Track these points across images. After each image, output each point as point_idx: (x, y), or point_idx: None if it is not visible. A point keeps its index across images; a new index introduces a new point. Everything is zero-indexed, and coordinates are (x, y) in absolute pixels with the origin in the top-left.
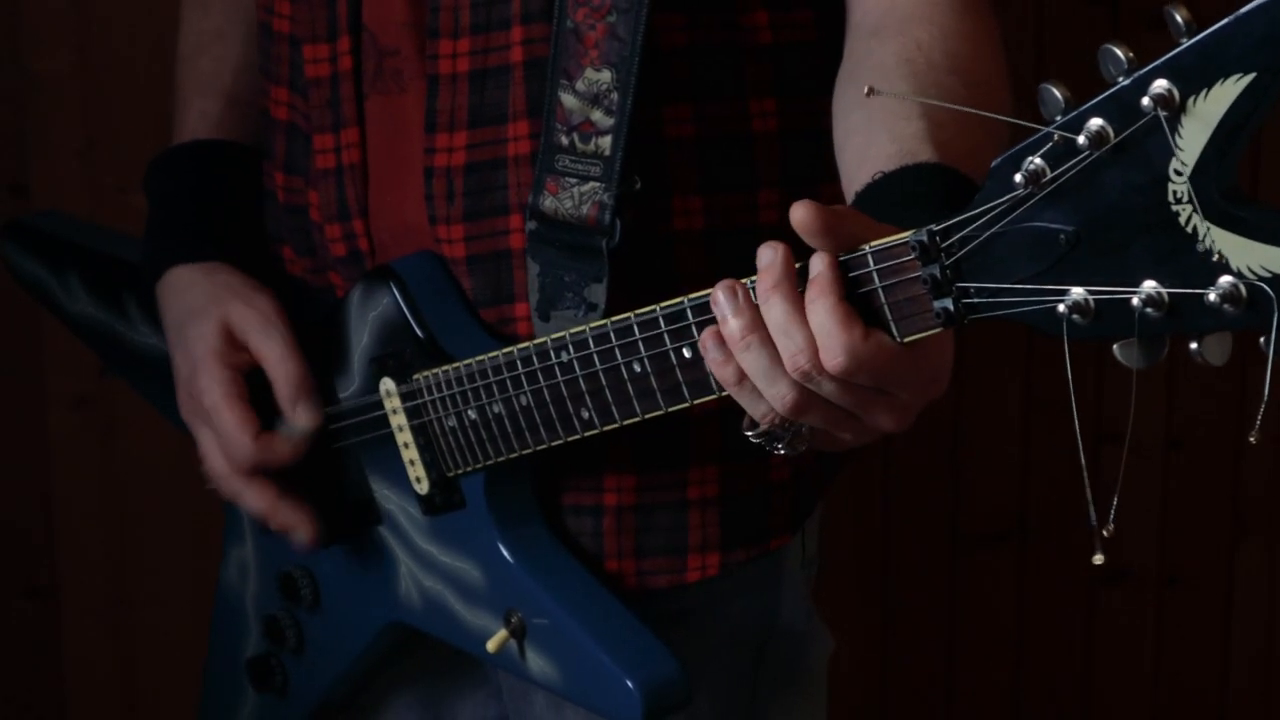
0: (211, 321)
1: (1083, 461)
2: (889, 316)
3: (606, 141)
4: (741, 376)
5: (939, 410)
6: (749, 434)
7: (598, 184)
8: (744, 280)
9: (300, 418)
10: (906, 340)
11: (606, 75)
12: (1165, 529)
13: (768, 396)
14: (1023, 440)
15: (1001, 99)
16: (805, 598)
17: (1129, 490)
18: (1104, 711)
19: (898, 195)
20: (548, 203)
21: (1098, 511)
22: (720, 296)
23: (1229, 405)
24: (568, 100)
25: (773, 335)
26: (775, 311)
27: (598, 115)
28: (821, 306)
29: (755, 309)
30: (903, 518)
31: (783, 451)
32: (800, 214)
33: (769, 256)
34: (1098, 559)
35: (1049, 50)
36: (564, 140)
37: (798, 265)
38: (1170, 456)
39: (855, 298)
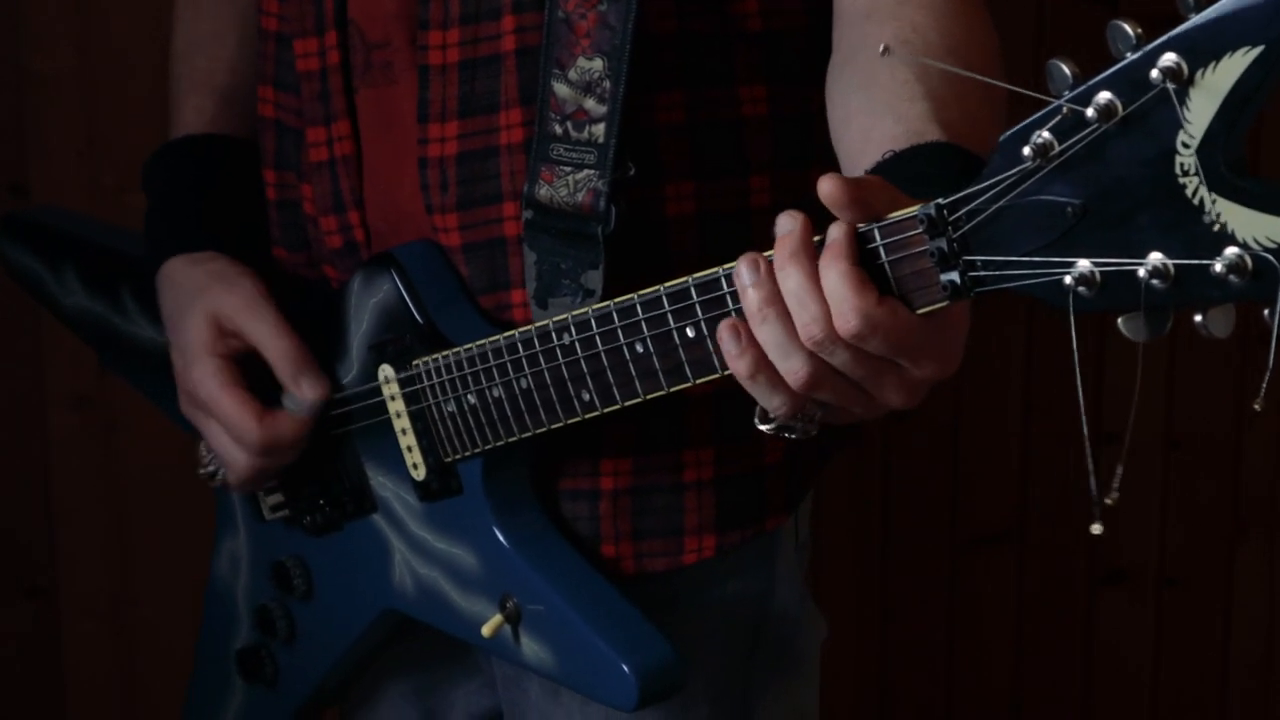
0: (198, 314)
1: (1085, 430)
2: (896, 290)
3: (600, 129)
4: (755, 369)
5: (939, 410)
6: (763, 427)
7: (592, 171)
8: (766, 254)
9: (305, 391)
10: (918, 313)
11: (599, 63)
12: (1165, 529)
13: (782, 371)
14: (1023, 440)
15: (997, 77)
16: (799, 581)
17: (1129, 490)
18: (1103, 711)
19: (909, 174)
20: (543, 191)
21: (1098, 486)
22: (743, 268)
23: (1229, 405)
24: (560, 89)
25: (788, 305)
26: (791, 280)
27: (590, 103)
28: (834, 272)
29: (775, 282)
30: (903, 518)
31: (795, 437)
32: (828, 187)
33: (787, 225)
34: (1096, 528)
35: (1049, 51)
36: (558, 129)
37: (818, 238)
38: (1170, 456)
39: (869, 269)
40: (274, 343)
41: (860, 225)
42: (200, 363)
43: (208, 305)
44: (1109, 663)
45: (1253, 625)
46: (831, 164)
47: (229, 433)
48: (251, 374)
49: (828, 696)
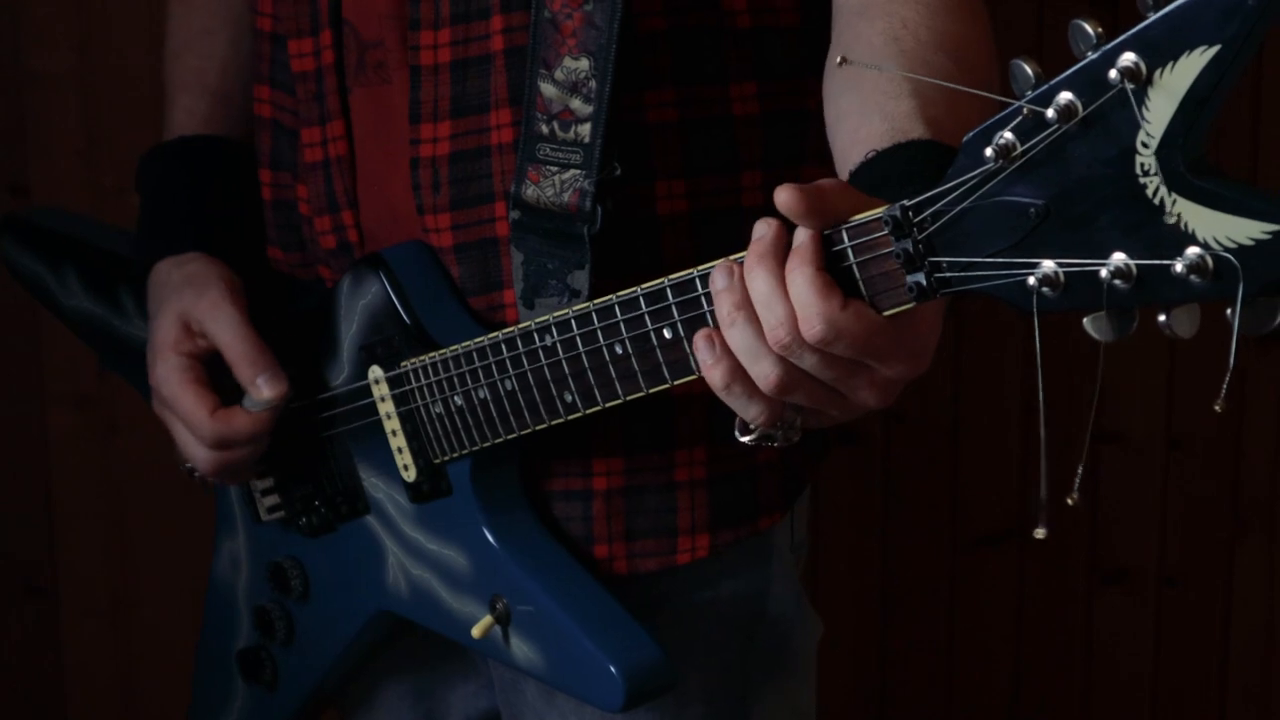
0: (169, 314)
1: (1043, 433)
2: (864, 291)
3: (586, 129)
4: (730, 378)
5: (939, 410)
6: (744, 438)
7: (578, 171)
8: (741, 255)
9: (261, 391)
10: (884, 314)
11: (584, 63)
12: (1165, 529)
13: (753, 375)
14: (1023, 440)
15: (989, 73)
16: (794, 580)
17: (1129, 490)
18: (1103, 711)
19: (891, 173)
20: (530, 191)
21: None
22: (717, 274)
23: (1229, 405)
24: (547, 89)
25: (757, 309)
26: (759, 284)
27: (576, 103)
28: (800, 276)
29: (745, 287)
30: (903, 517)
31: (777, 445)
32: (784, 197)
33: (761, 230)
34: (1039, 532)
35: (1048, 51)
36: (544, 129)
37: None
38: (1170, 456)
39: (836, 272)
40: (233, 344)
41: (831, 227)
42: (164, 360)
43: (178, 306)
44: (1109, 662)
45: (1253, 625)
46: (825, 159)
47: (187, 427)
48: (220, 374)
49: (827, 696)
